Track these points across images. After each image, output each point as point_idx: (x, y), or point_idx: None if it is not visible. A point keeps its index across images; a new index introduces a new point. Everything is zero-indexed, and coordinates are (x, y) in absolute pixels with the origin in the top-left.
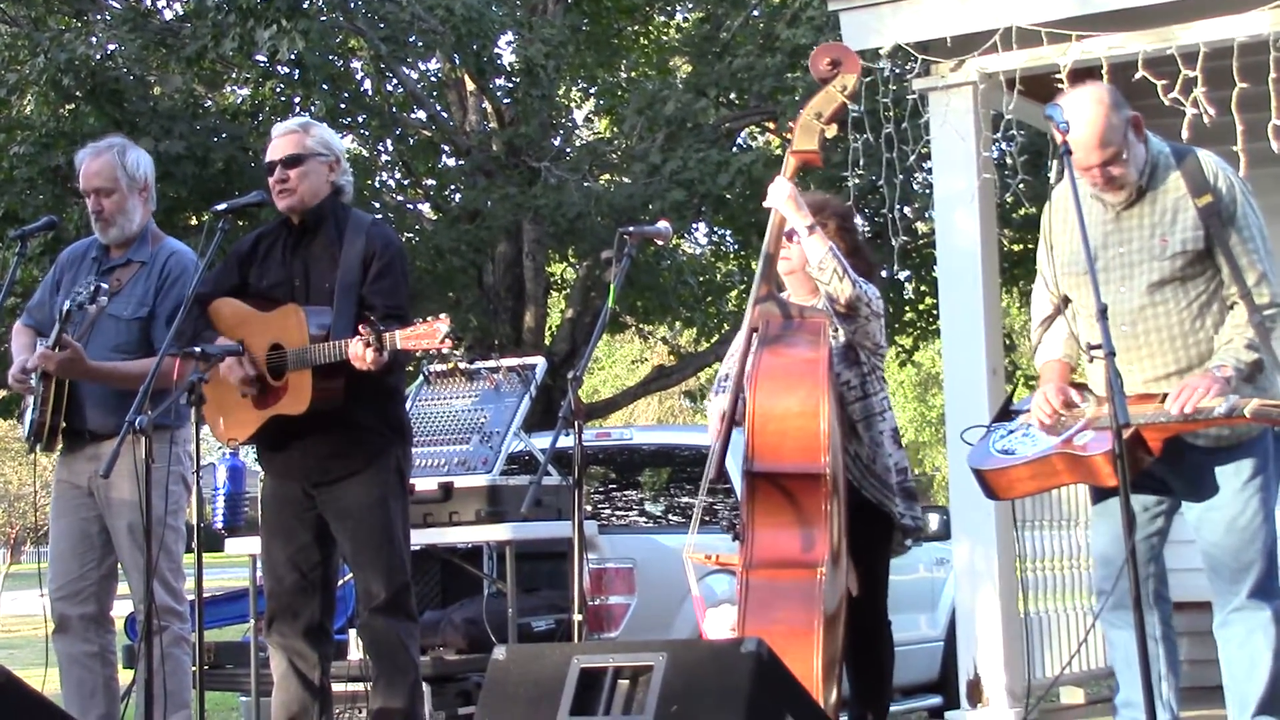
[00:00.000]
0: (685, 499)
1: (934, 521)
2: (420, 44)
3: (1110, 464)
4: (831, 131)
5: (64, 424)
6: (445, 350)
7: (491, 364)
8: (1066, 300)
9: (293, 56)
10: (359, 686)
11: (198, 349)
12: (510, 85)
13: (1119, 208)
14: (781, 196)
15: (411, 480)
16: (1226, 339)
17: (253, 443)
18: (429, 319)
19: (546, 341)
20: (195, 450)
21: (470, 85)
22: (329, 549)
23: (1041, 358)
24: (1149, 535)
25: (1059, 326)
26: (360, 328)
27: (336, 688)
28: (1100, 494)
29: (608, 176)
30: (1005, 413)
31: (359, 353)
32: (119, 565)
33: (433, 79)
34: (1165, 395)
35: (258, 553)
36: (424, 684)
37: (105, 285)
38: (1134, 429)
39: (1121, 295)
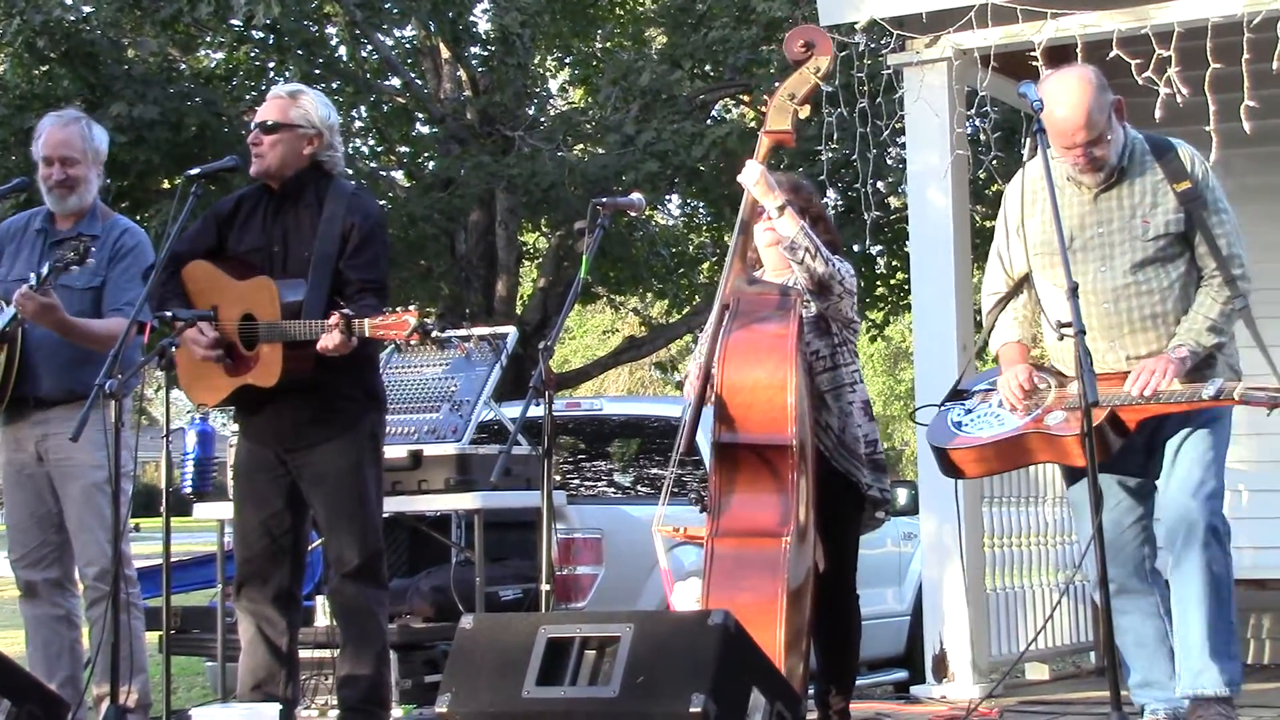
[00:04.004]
0: (654, 470)
1: (902, 496)
2: (396, 10)
3: (1080, 445)
4: (805, 112)
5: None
6: (413, 344)
7: (463, 332)
8: (1022, 282)
9: (268, 21)
10: (325, 653)
11: (168, 313)
12: (485, 53)
13: (1096, 190)
14: (752, 179)
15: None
16: (1189, 321)
17: (225, 406)
18: (399, 310)
19: (518, 311)
20: (166, 414)
21: (445, 53)
22: (300, 515)
23: (998, 340)
24: (1140, 517)
25: (1012, 308)
26: (332, 315)
27: (303, 654)
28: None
29: (582, 147)
30: (956, 393)
31: (327, 345)
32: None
33: (408, 46)
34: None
35: (225, 518)
36: (390, 651)
37: (92, 247)
38: (1110, 409)
39: (1103, 275)
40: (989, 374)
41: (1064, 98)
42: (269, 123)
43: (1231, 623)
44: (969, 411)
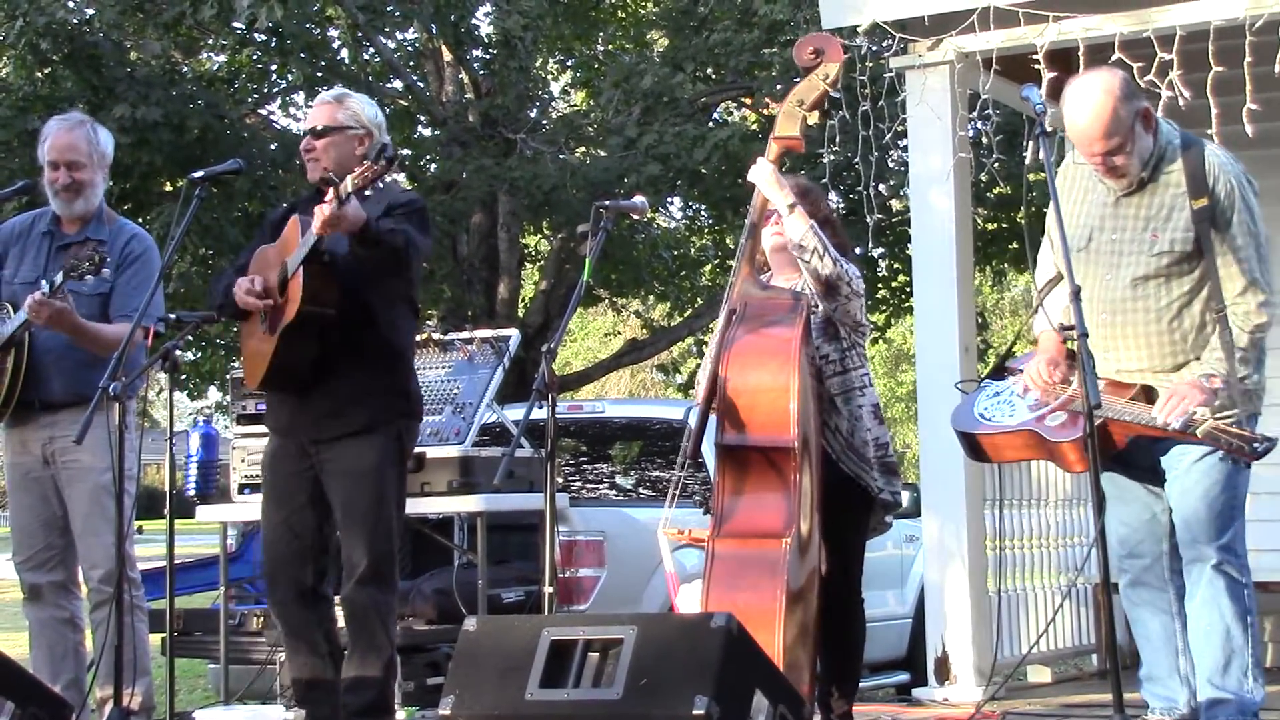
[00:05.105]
0: (656, 473)
1: (904, 498)
2: (398, 13)
3: (1076, 452)
4: (813, 118)
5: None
6: (389, 177)
7: (465, 335)
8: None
9: (270, 24)
10: None
11: (172, 316)
12: (487, 56)
13: (1119, 193)
14: (763, 177)
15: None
16: (1219, 350)
17: (270, 384)
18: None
19: (520, 313)
20: (170, 417)
21: (447, 56)
22: (325, 513)
23: (1040, 325)
24: (1158, 514)
25: (1060, 292)
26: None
27: None
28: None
29: (583, 149)
30: (1000, 369)
31: (322, 214)
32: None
33: (410, 49)
34: (1141, 387)
35: (228, 520)
36: None
37: (108, 257)
38: (1103, 421)
39: (1107, 283)
40: (1031, 355)
41: (1084, 106)
42: (319, 127)
43: (1254, 652)
44: (998, 394)
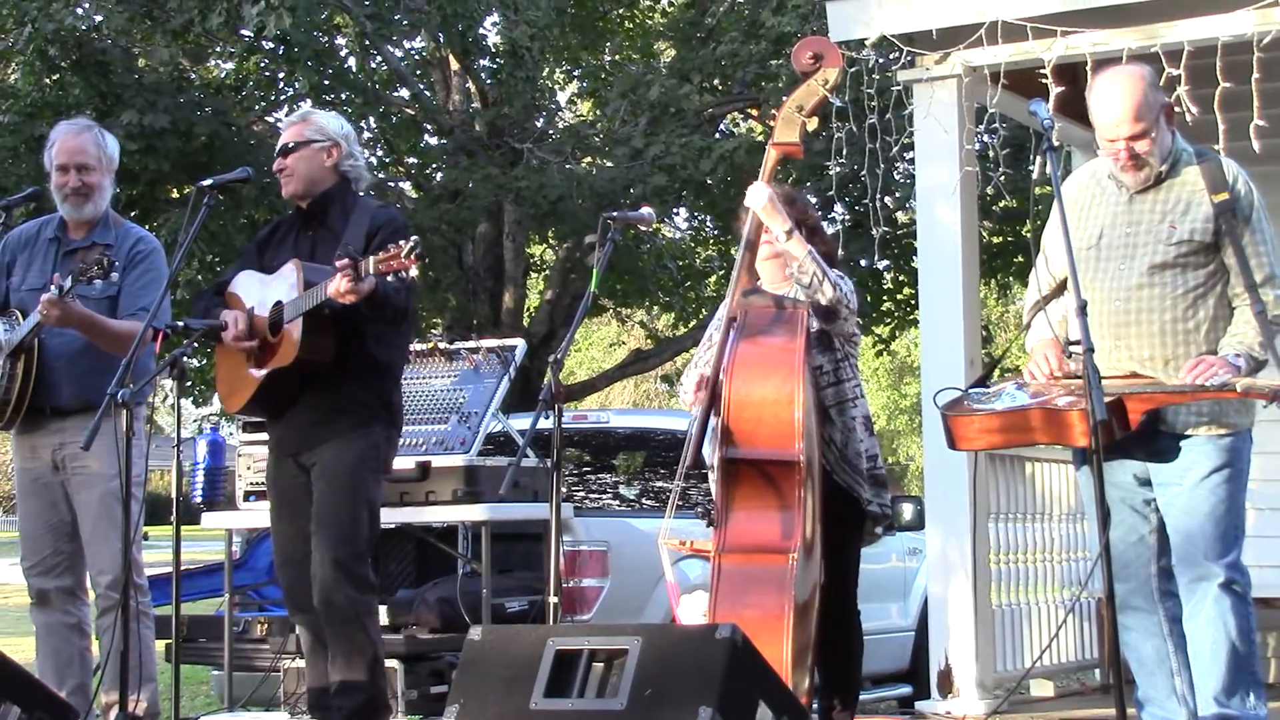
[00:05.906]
0: (660, 483)
1: (908, 511)
2: (405, 22)
3: (1084, 421)
4: (813, 124)
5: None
6: (413, 271)
7: (471, 345)
8: (1063, 285)
9: (278, 32)
10: None
11: (180, 323)
12: (494, 66)
13: (1134, 190)
14: (760, 201)
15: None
16: (1239, 335)
17: (252, 411)
18: (390, 247)
19: (525, 323)
20: (177, 424)
21: (454, 65)
22: None
23: (1034, 337)
24: (1145, 535)
25: (1053, 309)
26: (338, 262)
27: (297, 663)
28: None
29: (590, 159)
30: (983, 383)
31: (339, 287)
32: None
33: (417, 58)
34: (1151, 380)
35: (234, 527)
36: (397, 662)
37: (115, 261)
38: (1118, 396)
39: (1121, 274)
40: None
41: (1115, 89)
42: (288, 144)
43: (1254, 671)
44: (986, 393)
